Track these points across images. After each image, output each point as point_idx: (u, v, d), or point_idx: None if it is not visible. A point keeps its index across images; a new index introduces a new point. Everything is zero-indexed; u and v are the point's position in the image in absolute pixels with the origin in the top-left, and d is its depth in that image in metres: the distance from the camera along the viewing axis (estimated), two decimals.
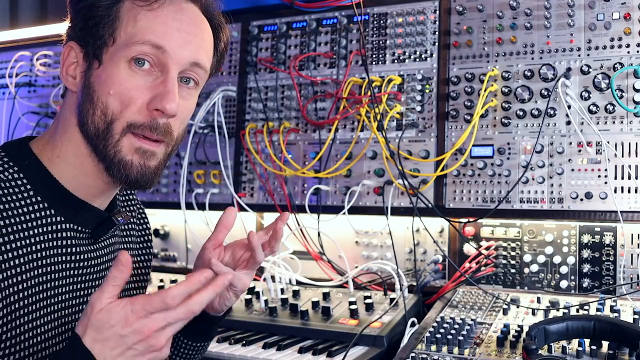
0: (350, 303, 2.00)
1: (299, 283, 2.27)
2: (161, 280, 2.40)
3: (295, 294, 2.16)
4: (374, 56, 2.23)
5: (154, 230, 2.68)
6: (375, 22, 2.24)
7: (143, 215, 1.52)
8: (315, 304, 2.02)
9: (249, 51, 2.44)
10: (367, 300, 2.00)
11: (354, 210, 2.19)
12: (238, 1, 2.53)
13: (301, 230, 2.28)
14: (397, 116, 2.16)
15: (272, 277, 2.23)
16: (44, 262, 1.16)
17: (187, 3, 1.21)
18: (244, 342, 1.88)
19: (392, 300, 2.01)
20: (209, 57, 1.25)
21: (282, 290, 2.19)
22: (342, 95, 2.20)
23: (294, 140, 2.32)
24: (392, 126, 2.17)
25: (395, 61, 2.20)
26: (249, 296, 2.14)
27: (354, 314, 1.95)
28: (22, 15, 3.56)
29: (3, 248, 1.09)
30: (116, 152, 1.16)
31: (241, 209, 2.35)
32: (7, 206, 1.12)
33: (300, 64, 2.33)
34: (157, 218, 2.72)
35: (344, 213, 2.17)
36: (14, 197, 1.13)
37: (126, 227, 1.42)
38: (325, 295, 2.10)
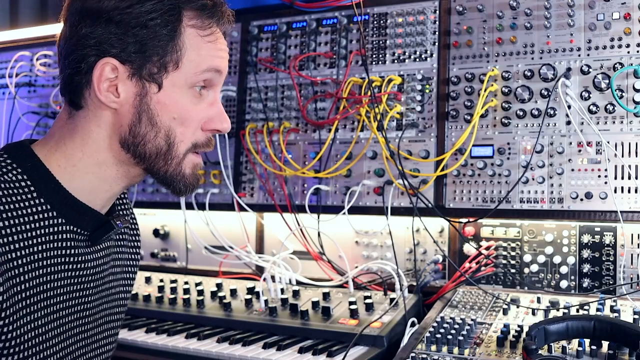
0: (350, 303, 2.00)
1: (299, 283, 2.27)
2: (161, 280, 2.40)
3: (295, 294, 2.16)
4: (374, 56, 2.23)
5: (154, 230, 2.69)
6: (375, 22, 2.24)
7: (135, 221, 1.54)
8: (315, 304, 2.02)
9: (249, 51, 2.44)
10: (367, 300, 2.00)
11: (354, 210, 2.19)
12: (238, 1, 2.53)
13: (301, 230, 2.28)
14: (397, 116, 2.16)
15: (272, 277, 2.23)
16: (44, 263, 1.17)
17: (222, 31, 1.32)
18: (244, 342, 1.88)
19: (392, 300, 2.01)
20: None
21: (282, 290, 2.19)
22: (342, 95, 2.20)
23: (294, 140, 2.32)
24: (392, 126, 2.17)
25: (395, 61, 2.20)
26: (249, 296, 2.14)
27: (354, 314, 1.95)
28: (22, 15, 3.56)
29: (6, 248, 1.10)
30: (180, 171, 1.26)
31: (241, 209, 2.36)
32: (10, 207, 1.13)
33: (300, 64, 2.33)
34: (157, 218, 2.72)
35: (344, 213, 2.17)
36: (17, 199, 1.14)
37: (121, 230, 1.44)
38: (325, 295, 2.10)
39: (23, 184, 1.17)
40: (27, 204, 1.15)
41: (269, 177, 2.35)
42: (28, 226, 1.14)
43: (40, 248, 1.16)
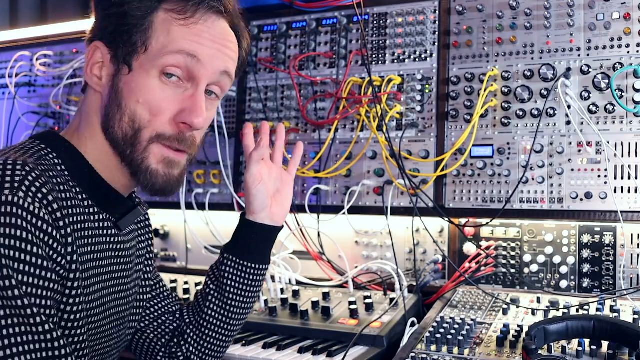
0: (350, 303, 2.00)
1: (298, 283, 2.27)
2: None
3: (295, 294, 2.16)
4: (374, 56, 2.23)
5: (154, 230, 2.69)
6: (375, 22, 2.24)
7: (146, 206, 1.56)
8: (315, 304, 2.02)
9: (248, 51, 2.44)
10: (367, 300, 2.00)
11: (354, 210, 2.19)
12: (238, 1, 2.52)
13: (301, 230, 2.28)
14: (397, 116, 2.16)
15: (272, 277, 2.23)
16: (91, 240, 1.20)
17: (219, 19, 1.25)
18: (243, 342, 1.87)
19: (392, 300, 2.01)
20: (235, 65, 1.32)
21: (282, 290, 2.19)
22: (342, 95, 2.20)
23: (293, 140, 2.32)
24: (392, 126, 2.17)
25: (395, 61, 2.19)
26: None
27: (353, 314, 1.95)
28: (22, 15, 3.56)
29: (69, 214, 1.13)
30: (144, 159, 1.20)
31: (241, 208, 2.35)
32: (59, 180, 1.15)
33: (300, 64, 2.33)
34: (157, 218, 2.72)
35: (344, 213, 2.17)
36: (59, 180, 1.16)
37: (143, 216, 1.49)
38: (325, 295, 2.10)
39: (59, 168, 1.19)
40: (66, 186, 1.17)
41: None
42: (72, 202, 1.17)
43: (86, 225, 1.19)
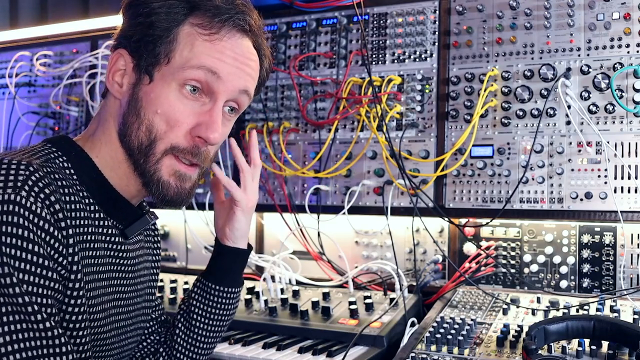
0: (350, 303, 2.00)
1: (298, 283, 2.27)
2: (161, 280, 2.40)
3: (295, 294, 2.16)
4: (374, 56, 2.23)
5: None
6: (375, 22, 2.24)
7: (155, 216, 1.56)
8: (315, 304, 2.02)
9: None
10: (367, 300, 2.00)
11: (354, 210, 2.19)
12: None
13: (301, 230, 2.28)
14: (397, 116, 2.16)
15: (272, 277, 2.23)
16: (92, 245, 1.20)
17: (243, 38, 1.26)
18: (243, 342, 1.88)
19: (392, 300, 2.01)
20: (255, 84, 1.33)
21: (282, 290, 2.19)
22: (342, 95, 2.20)
23: (293, 140, 2.32)
24: (392, 126, 2.17)
25: (395, 61, 2.19)
26: (249, 296, 2.14)
27: (353, 314, 1.95)
28: (22, 15, 3.56)
29: (65, 232, 1.12)
30: (155, 170, 1.22)
31: None
32: (64, 183, 1.16)
33: (300, 64, 2.33)
34: None
35: (344, 213, 2.17)
36: (65, 183, 1.16)
37: (152, 225, 1.48)
38: (325, 295, 2.10)
39: (67, 172, 1.19)
40: (73, 189, 1.17)
41: (269, 177, 2.35)
42: (77, 206, 1.17)
43: (89, 230, 1.19)
